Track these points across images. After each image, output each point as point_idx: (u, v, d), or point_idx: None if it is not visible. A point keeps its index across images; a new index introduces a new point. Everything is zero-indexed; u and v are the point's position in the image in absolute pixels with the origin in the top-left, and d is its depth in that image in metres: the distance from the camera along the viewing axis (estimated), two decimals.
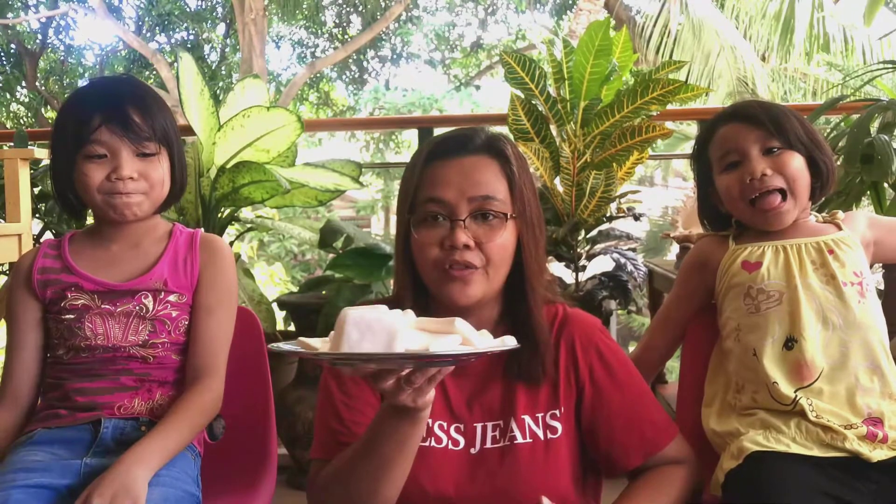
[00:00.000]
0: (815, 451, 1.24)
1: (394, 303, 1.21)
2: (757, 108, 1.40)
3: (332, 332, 0.88)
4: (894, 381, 1.31)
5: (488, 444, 1.16)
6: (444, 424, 1.16)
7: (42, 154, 2.32)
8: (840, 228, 1.41)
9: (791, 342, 1.31)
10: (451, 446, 1.15)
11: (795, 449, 1.25)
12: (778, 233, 1.39)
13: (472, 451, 1.15)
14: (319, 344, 0.92)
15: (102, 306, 1.37)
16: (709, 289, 1.44)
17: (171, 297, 1.39)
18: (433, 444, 1.15)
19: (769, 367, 1.31)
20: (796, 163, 1.36)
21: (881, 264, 1.78)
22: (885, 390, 1.30)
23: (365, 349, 0.84)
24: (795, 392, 1.28)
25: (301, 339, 0.94)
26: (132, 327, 1.37)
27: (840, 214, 1.44)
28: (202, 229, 1.53)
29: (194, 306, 1.42)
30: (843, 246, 1.36)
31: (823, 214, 1.46)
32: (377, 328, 0.85)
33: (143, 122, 1.36)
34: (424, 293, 1.18)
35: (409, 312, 0.92)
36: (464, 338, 0.89)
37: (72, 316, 1.37)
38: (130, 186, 1.36)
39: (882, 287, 1.96)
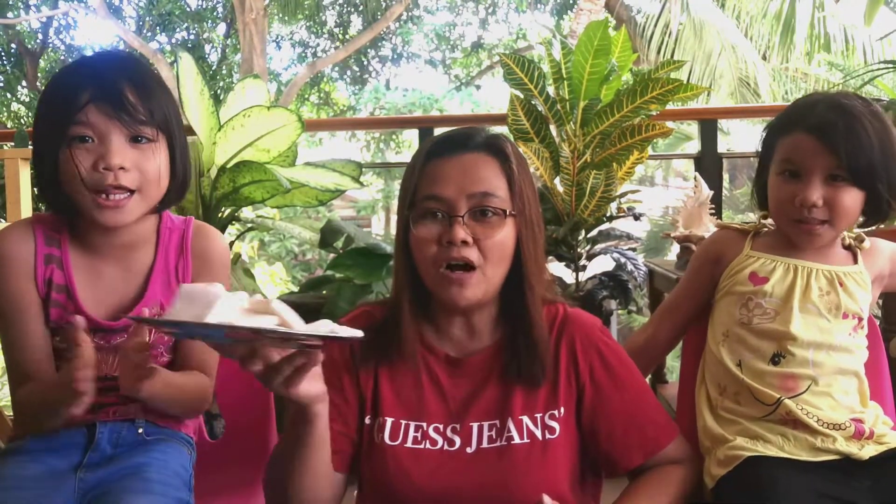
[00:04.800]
0: (806, 457, 1.24)
1: (393, 302, 1.21)
2: (841, 129, 1.25)
3: None
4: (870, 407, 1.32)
5: (484, 444, 1.15)
6: (441, 427, 1.16)
7: None
8: (856, 260, 1.36)
9: (778, 357, 1.30)
10: (446, 447, 1.15)
11: (786, 455, 1.24)
12: (795, 248, 1.35)
13: (469, 450, 1.15)
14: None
15: (95, 339, 1.18)
16: (718, 283, 1.41)
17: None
18: (428, 446, 1.15)
19: (752, 378, 1.30)
20: (850, 200, 1.28)
21: None
22: (862, 409, 1.30)
23: (182, 318, 0.84)
24: (779, 398, 1.27)
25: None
26: None
27: (866, 242, 1.38)
28: (194, 219, 1.34)
29: None
30: (853, 282, 1.34)
31: (851, 235, 1.39)
32: (199, 299, 0.84)
33: (138, 101, 1.15)
34: (423, 291, 1.18)
35: (246, 296, 0.89)
36: (282, 320, 0.88)
37: (63, 345, 1.24)
38: (121, 179, 1.15)
39: None
